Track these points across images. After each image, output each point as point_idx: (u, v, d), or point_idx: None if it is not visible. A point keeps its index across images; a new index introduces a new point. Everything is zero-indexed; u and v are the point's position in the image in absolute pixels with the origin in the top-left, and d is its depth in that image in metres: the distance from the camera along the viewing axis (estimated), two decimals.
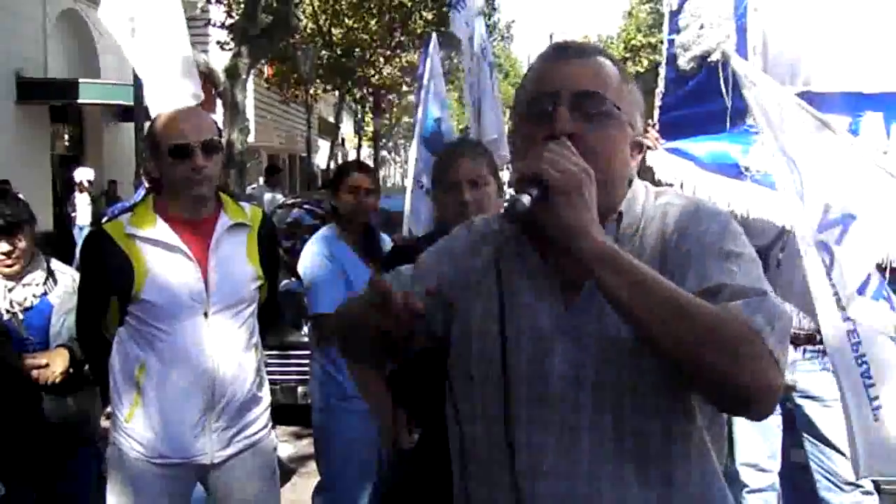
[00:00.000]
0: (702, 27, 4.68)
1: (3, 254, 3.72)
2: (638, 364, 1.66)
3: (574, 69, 1.78)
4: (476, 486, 1.83)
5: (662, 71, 4.84)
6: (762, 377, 1.52)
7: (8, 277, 3.78)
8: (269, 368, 3.39)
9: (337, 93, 30.18)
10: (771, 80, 3.56)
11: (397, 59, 28.94)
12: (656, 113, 4.62)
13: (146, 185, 6.38)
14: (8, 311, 3.79)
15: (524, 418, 1.74)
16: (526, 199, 1.56)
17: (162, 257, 3.07)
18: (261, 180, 21.32)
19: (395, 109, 37.00)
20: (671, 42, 4.89)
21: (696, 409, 1.72)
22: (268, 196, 13.55)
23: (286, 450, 6.64)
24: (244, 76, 13.99)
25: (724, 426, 1.84)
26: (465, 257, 1.90)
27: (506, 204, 1.56)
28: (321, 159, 34.38)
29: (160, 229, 3.10)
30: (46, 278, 3.90)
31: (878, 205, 3.27)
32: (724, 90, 3.88)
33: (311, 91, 27.15)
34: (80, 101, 18.30)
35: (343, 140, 38.60)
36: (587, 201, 1.58)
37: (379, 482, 3.32)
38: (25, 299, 3.82)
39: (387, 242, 4.59)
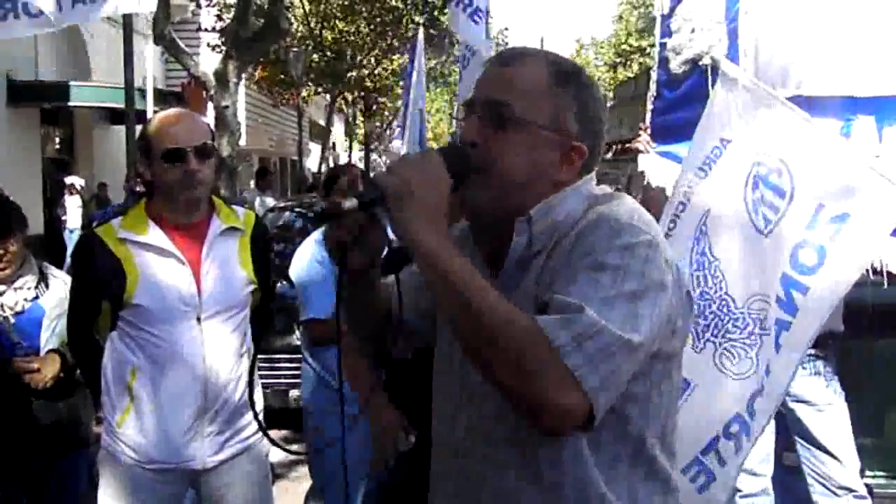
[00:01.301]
0: (693, 31, 4.69)
1: None
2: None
3: (490, 77, 1.83)
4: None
5: (654, 74, 4.84)
6: (549, 395, 1.51)
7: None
8: (261, 372, 3.38)
9: (328, 96, 30.16)
10: (760, 84, 3.56)
11: (388, 63, 28.93)
12: (648, 116, 4.62)
13: (136, 189, 6.37)
14: None
15: (456, 400, 1.86)
16: (350, 202, 1.65)
17: (154, 262, 3.06)
18: (251, 184, 21.31)
19: (385, 112, 36.95)
20: (663, 46, 4.90)
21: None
22: (259, 199, 13.54)
23: (277, 454, 6.62)
24: (235, 80, 13.94)
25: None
26: None
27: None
28: (312, 163, 34.33)
29: (152, 233, 3.09)
30: (38, 282, 3.88)
31: (869, 206, 3.27)
32: (712, 93, 3.88)
33: (303, 94, 27.12)
34: (70, 103, 18.26)
35: (334, 143, 38.57)
36: (421, 206, 1.62)
37: (377, 484, 3.32)
38: (17, 303, 3.81)
39: None
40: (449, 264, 1.59)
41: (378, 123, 37.91)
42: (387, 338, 2.04)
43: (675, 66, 4.77)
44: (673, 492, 1.81)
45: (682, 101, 4.66)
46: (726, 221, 3.35)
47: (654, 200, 4.29)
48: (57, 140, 20.57)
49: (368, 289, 1.91)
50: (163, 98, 14.61)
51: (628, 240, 1.64)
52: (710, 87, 4.23)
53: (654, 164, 4.22)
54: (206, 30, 21.67)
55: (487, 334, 1.54)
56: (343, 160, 37.75)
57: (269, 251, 3.50)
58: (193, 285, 3.08)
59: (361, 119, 35.95)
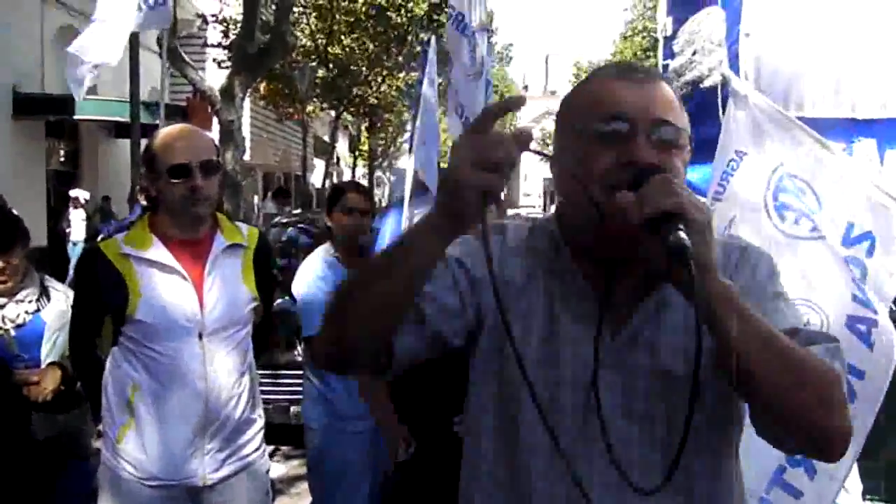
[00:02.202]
0: (695, 52, 4.71)
1: None
2: (689, 399, 1.52)
3: (648, 94, 1.68)
4: None
5: None
6: (846, 422, 1.54)
7: (0, 294, 3.78)
8: (262, 388, 3.39)
9: (333, 112, 30.24)
10: (771, 103, 3.58)
11: (393, 80, 29.01)
12: None
13: (142, 203, 6.39)
14: (0, 328, 3.78)
15: (568, 450, 1.62)
16: (684, 235, 1.45)
17: (157, 278, 3.06)
18: (255, 199, 21.41)
19: (390, 129, 37.02)
20: (665, 67, 4.92)
21: (735, 447, 1.75)
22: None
23: (278, 470, 6.62)
24: (240, 95, 14.00)
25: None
26: (501, 267, 1.75)
27: (668, 241, 1.45)
28: (316, 178, 34.40)
29: (156, 249, 3.08)
30: (40, 295, 3.89)
31: (886, 223, 3.30)
32: (721, 113, 3.89)
33: (308, 110, 27.20)
34: (76, 116, 18.32)
35: (338, 159, 38.64)
36: (713, 242, 1.51)
37: (380, 494, 3.35)
38: (18, 316, 3.81)
39: None
40: (748, 308, 1.52)
41: (382, 140, 37.96)
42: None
43: (677, 87, 4.79)
44: None
45: None
46: (749, 229, 3.35)
47: None
48: (62, 153, 20.62)
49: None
50: (168, 112, 14.64)
51: (777, 267, 1.75)
52: (713, 109, 4.26)
53: None
54: (212, 45, 21.74)
55: (801, 376, 1.50)
56: (347, 176, 37.84)
57: (272, 268, 3.49)
58: (196, 302, 3.08)
59: (366, 135, 36.01)
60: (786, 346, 1.51)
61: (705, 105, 4.47)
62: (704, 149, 4.32)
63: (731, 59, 4.45)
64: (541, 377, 1.68)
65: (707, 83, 4.44)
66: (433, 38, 7.07)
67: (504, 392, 1.75)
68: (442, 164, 6.37)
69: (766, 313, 1.57)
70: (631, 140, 1.62)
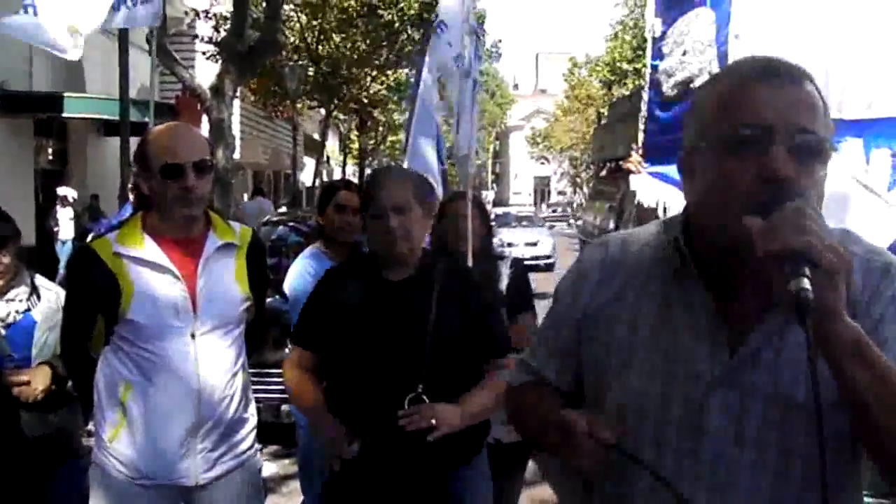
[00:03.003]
0: (685, 53, 4.74)
1: None
2: (810, 430, 1.46)
3: (789, 98, 1.54)
4: None
5: (646, 95, 4.89)
6: None
7: None
8: (253, 387, 3.39)
9: (323, 110, 30.21)
10: None
11: (384, 78, 28.99)
12: (641, 137, 4.67)
13: (132, 201, 6.38)
14: None
15: (671, 468, 1.61)
16: (806, 283, 1.36)
17: (149, 277, 3.05)
18: (245, 197, 21.43)
19: (380, 128, 37.00)
20: (654, 68, 4.95)
21: (857, 481, 1.63)
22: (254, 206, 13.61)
23: (269, 468, 6.62)
24: (231, 93, 13.98)
25: None
26: (601, 285, 1.77)
27: (791, 290, 1.37)
28: (307, 177, 34.36)
29: (148, 248, 3.08)
30: (30, 294, 3.88)
31: (864, 220, 3.32)
32: None
33: (298, 108, 27.17)
34: (64, 114, 18.25)
35: (328, 157, 38.60)
36: (842, 287, 1.40)
37: (323, 494, 3.36)
38: (8, 315, 3.80)
39: None
40: (880, 358, 1.43)
41: (372, 138, 37.94)
42: None
43: (667, 88, 4.82)
44: None
45: (674, 122, 4.70)
46: None
47: (649, 220, 4.33)
48: (50, 151, 20.54)
49: None
50: (158, 110, 14.61)
51: None
52: None
53: (645, 185, 4.26)
54: (202, 39, 21.69)
55: None
56: (337, 175, 37.80)
57: (265, 267, 3.48)
58: (188, 301, 3.07)
59: (356, 134, 35.98)
60: None
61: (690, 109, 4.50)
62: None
63: (720, 60, 4.48)
64: (648, 389, 1.65)
65: (698, 83, 4.47)
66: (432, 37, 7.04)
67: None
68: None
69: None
70: (768, 151, 1.51)
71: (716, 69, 4.41)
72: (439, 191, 5.65)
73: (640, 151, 4.53)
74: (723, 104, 1.58)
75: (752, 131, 1.52)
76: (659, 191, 4.19)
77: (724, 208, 1.53)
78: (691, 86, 4.62)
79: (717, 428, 1.58)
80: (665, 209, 4.13)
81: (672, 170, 4.25)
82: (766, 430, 1.56)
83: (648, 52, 4.98)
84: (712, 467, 1.58)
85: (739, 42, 4.40)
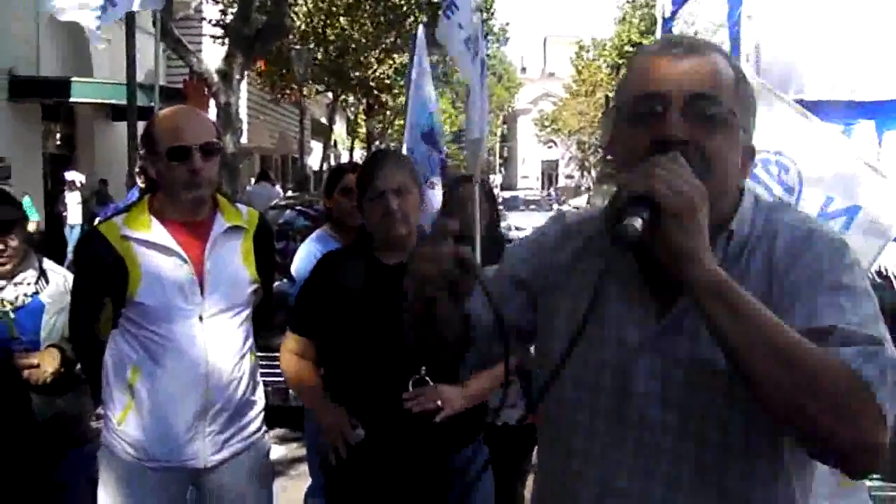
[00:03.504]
0: (696, 34, 4.70)
1: None
2: (730, 394, 1.54)
3: (687, 67, 1.60)
4: (547, 487, 1.82)
5: None
6: (866, 435, 1.40)
7: None
8: (261, 370, 3.38)
9: (330, 94, 30.17)
10: (761, 81, 3.58)
11: (391, 61, 28.93)
12: None
13: (140, 185, 6.38)
14: None
15: (602, 431, 1.67)
16: (637, 223, 1.41)
17: (157, 259, 3.05)
18: (252, 181, 21.44)
19: (388, 112, 36.96)
20: None
21: (786, 451, 1.61)
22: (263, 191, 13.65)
23: (277, 451, 6.63)
24: (238, 77, 13.97)
25: (814, 468, 1.71)
26: (555, 251, 1.82)
27: (615, 226, 1.43)
28: (314, 161, 34.36)
29: (156, 231, 3.07)
30: (38, 277, 3.88)
31: (875, 200, 3.31)
32: None
33: (305, 92, 27.15)
34: (72, 99, 18.27)
35: (336, 142, 38.58)
36: (700, 225, 1.44)
37: (325, 479, 3.36)
38: (17, 298, 3.81)
39: None
40: (744, 299, 1.43)
41: (380, 122, 37.90)
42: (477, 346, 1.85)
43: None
44: None
45: None
46: None
47: None
48: (58, 136, 20.58)
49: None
50: (165, 95, 14.62)
51: (851, 256, 1.58)
52: None
53: None
54: (210, 22, 21.67)
55: (804, 376, 1.38)
56: (344, 159, 37.78)
57: (272, 250, 3.48)
58: (196, 283, 3.07)
59: (363, 118, 35.94)
60: (790, 344, 1.40)
61: None
62: None
63: (731, 41, 4.45)
64: (586, 357, 1.68)
65: None
66: (420, 27, 7.00)
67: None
68: (444, 147, 6.31)
69: (818, 307, 1.49)
70: (663, 117, 1.57)
71: (727, 50, 4.38)
72: (437, 179, 5.63)
73: None
74: (627, 80, 1.68)
75: (651, 101, 1.59)
76: None
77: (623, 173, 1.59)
78: None
79: (642, 393, 1.62)
80: None
81: None
82: (689, 396, 1.59)
83: (658, 33, 4.94)
84: (639, 432, 1.63)
85: (752, 23, 4.36)
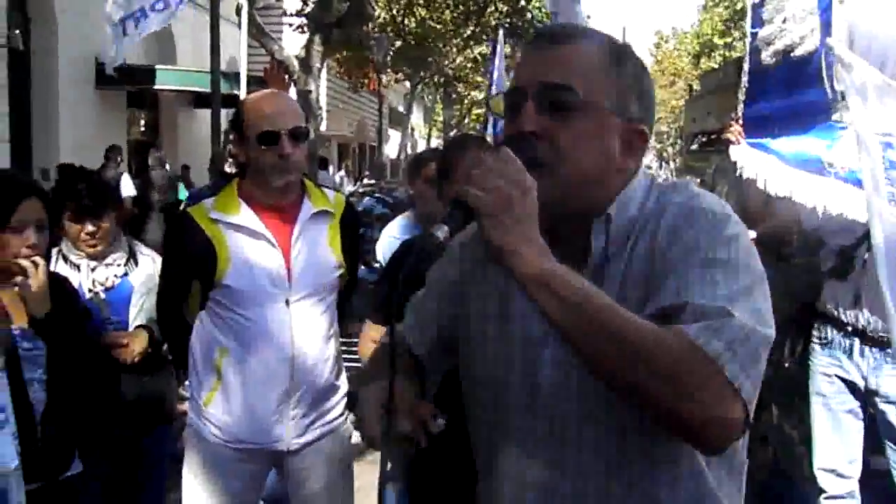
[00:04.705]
0: (785, 21, 4.59)
1: (88, 234, 3.78)
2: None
3: (543, 58, 1.61)
4: (483, 487, 1.84)
5: (746, 65, 4.75)
6: (713, 409, 1.38)
7: (91, 257, 3.85)
8: (343, 356, 3.40)
9: (408, 83, 30.27)
10: (873, 69, 3.51)
11: (470, 51, 28.91)
12: (740, 107, 4.54)
13: (229, 170, 6.44)
14: (90, 291, 3.85)
15: (516, 426, 1.70)
16: (441, 231, 1.46)
17: (245, 243, 3.08)
18: (331, 170, 21.62)
19: (465, 101, 36.95)
20: (754, 35, 4.79)
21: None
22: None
23: (357, 436, 6.67)
24: (318, 65, 14.09)
25: (735, 451, 1.66)
26: (453, 264, 1.86)
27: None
28: (391, 149, 34.53)
29: (244, 215, 3.10)
30: (128, 259, 3.95)
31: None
32: (825, 81, 3.82)
33: (383, 80, 27.27)
34: (156, 87, 18.61)
35: (413, 130, 38.72)
36: (518, 220, 1.43)
37: (409, 469, 3.36)
38: (107, 279, 3.88)
39: None
40: (570, 287, 1.42)
41: (457, 111, 37.92)
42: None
43: (766, 56, 4.67)
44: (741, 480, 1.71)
45: (773, 92, 4.57)
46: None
47: (752, 191, 4.23)
48: (142, 123, 20.99)
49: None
50: (248, 82, 14.82)
51: (731, 231, 1.53)
52: (804, 78, 4.16)
53: (746, 155, 4.14)
54: (290, 14, 21.89)
55: (637, 356, 1.38)
56: (422, 147, 37.92)
57: (358, 235, 3.49)
58: (283, 267, 3.09)
59: (440, 107, 35.99)
60: (622, 327, 1.39)
61: (793, 75, 4.36)
62: (797, 118, 4.23)
63: (822, 27, 4.33)
64: (497, 355, 1.72)
65: (798, 52, 4.33)
66: (501, 31, 6.99)
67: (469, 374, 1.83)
68: None
69: (687, 283, 1.46)
70: (519, 110, 1.59)
71: (818, 37, 4.27)
72: None
73: (740, 122, 4.40)
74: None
75: (513, 96, 1.62)
76: (759, 161, 4.08)
77: None
78: (791, 55, 4.48)
79: (549, 384, 1.64)
80: (765, 180, 4.01)
81: (772, 140, 4.13)
82: (589, 384, 1.56)
83: (748, 20, 4.82)
84: (549, 424, 1.64)
85: (843, 8, 4.24)
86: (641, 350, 1.38)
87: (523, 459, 1.68)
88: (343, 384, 3.36)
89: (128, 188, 13.14)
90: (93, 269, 3.85)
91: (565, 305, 1.41)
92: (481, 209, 1.43)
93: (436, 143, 38.60)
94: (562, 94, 1.57)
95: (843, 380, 4.14)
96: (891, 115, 3.33)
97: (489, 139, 6.12)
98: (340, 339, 3.41)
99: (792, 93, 4.31)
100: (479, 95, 34.74)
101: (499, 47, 6.13)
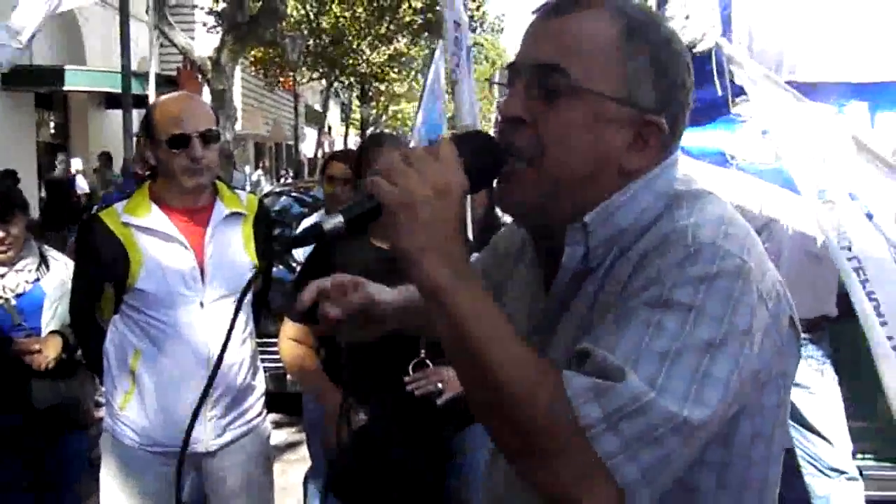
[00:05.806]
0: (687, 17, 4.71)
1: None
2: None
3: (537, 33, 1.38)
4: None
5: None
6: (568, 487, 1.16)
7: (0, 263, 3.80)
8: (262, 356, 3.41)
9: (324, 81, 30.13)
10: (756, 64, 3.62)
11: (385, 48, 28.89)
12: None
13: (140, 172, 6.38)
14: (0, 297, 3.80)
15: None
16: (331, 223, 1.28)
17: (158, 246, 3.07)
18: (247, 169, 21.46)
19: (381, 98, 36.90)
20: None
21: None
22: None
23: (275, 437, 6.67)
24: (231, 63, 13.94)
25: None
26: (509, 258, 1.68)
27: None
28: (308, 148, 34.31)
29: (156, 217, 3.09)
30: (39, 264, 3.91)
31: (871, 186, 3.33)
32: (715, 78, 3.92)
33: (298, 79, 27.10)
34: (65, 88, 18.22)
35: (330, 128, 38.53)
36: (425, 224, 1.22)
37: (329, 465, 3.39)
38: (18, 285, 3.84)
39: None
40: (459, 307, 1.22)
41: (374, 109, 37.85)
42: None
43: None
44: None
45: None
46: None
47: None
48: (52, 125, 20.54)
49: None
50: (158, 82, 14.60)
51: (706, 268, 1.21)
52: (706, 73, 4.28)
53: None
54: (202, 9, 21.62)
55: (497, 397, 1.19)
56: (339, 145, 37.76)
57: (271, 235, 3.50)
58: (197, 269, 3.09)
59: (357, 104, 35.90)
60: (495, 363, 1.19)
61: (696, 71, 4.48)
62: (699, 112, 4.35)
63: (723, 23, 4.45)
64: None
65: (700, 48, 4.45)
66: (441, 42, 6.94)
67: None
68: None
69: (624, 322, 1.21)
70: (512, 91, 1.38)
71: (718, 33, 4.39)
72: None
73: None
74: None
75: (509, 71, 1.41)
76: None
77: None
78: (693, 51, 4.60)
79: None
80: None
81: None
82: None
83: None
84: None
85: (743, 4, 4.37)
86: (506, 393, 1.18)
87: (497, 472, 1.54)
88: (260, 384, 3.37)
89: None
90: (2, 276, 3.80)
91: (448, 326, 1.23)
92: (385, 204, 1.24)
93: (353, 140, 38.52)
94: (551, 75, 1.32)
95: None
96: (776, 111, 3.45)
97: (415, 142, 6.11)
98: (259, 340, 3.42)
99: (695, 88, 4.44)
100: (400, 89, 34.73)
101: (437, 62, 5.99)
